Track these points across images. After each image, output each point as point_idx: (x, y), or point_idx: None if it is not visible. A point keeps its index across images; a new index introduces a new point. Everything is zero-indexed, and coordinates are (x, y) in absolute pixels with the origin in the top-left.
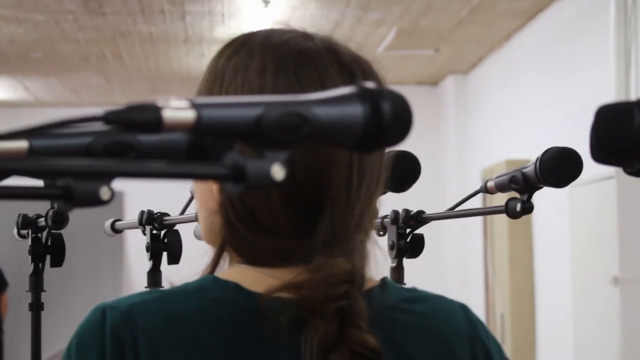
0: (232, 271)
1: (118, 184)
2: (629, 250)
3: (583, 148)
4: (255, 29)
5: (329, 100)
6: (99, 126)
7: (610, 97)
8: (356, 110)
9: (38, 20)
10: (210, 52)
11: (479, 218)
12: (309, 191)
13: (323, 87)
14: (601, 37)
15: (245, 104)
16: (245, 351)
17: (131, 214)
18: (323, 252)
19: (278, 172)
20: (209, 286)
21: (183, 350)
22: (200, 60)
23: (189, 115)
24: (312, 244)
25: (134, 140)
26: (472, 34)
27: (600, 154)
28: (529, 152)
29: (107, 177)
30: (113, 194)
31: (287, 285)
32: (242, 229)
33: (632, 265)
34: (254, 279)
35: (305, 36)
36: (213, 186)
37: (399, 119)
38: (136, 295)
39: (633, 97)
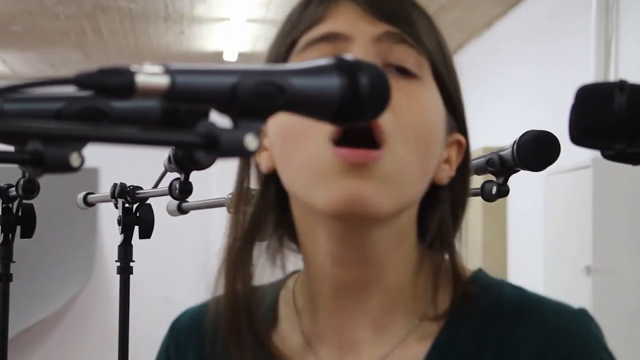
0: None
1: (92, 160)
2: (602, 240)
3: (561, 138)
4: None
5: (307, 71)
6: (72, 91)
7: None
8: (333, 82)
9: None
10: (190, 30)
11: None
12: None
13: None
14: (582, 27)
15: (221, 71)
16: None
17: (105, 190)
18: None
19: (251, 142)
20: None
21: None
22: (179, 38)
23: (163, 80)
24: None
25: (106, 106)
26: (454, 19)
27: (579, 135)
28: (506, 140)
29: (78, 141)
30: (83, 160)
31: None
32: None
33: (604, 256)
34: None
35: None
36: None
37: (376, 92)
38: None
39: None
